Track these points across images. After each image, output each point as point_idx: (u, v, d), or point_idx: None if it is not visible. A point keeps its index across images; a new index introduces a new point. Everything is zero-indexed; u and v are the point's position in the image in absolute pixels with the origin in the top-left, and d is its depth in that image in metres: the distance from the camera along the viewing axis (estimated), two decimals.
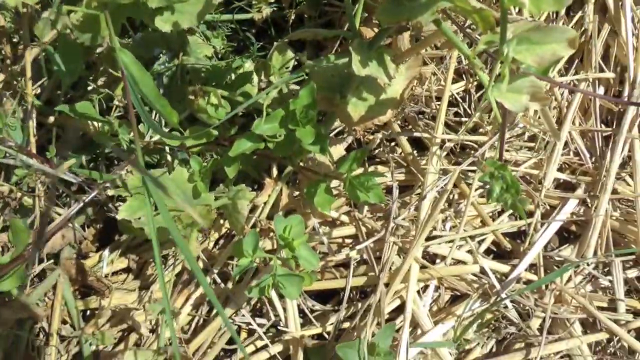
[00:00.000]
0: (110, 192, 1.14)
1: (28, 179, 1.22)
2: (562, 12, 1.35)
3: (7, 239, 1.20)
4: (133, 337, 1.23)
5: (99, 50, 1.01)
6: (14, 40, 1.32)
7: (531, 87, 0.89)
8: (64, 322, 1.24)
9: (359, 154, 1.11)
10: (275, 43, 1.33)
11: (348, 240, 1.26)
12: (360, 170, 1.20)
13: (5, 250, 1.24)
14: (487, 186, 0.91)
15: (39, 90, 1.34)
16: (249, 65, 1.31)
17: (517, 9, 1.32)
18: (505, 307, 1.23)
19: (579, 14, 1.35)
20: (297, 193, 1.25)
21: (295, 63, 1.32)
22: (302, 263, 1.05)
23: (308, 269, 1.06)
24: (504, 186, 0.90)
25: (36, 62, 1.34)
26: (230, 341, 1.21)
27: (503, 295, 1.22)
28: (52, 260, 1.25)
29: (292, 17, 1.41)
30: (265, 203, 1.22)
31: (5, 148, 1.16)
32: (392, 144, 1.33)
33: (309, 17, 1.43)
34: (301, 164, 1.19)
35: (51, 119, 1.29)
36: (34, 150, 1.23)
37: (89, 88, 1.31)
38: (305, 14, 1.42)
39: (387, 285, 1.19)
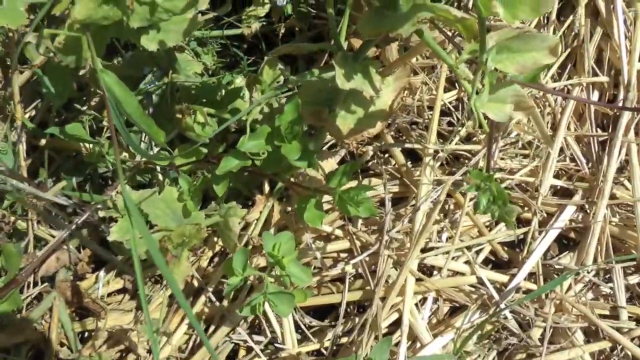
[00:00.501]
0: (101, 214, 1.14)
1: (21, 203, 1.22)
2: (553, 16, 1.34)
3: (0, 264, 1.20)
4: (131, 357, 1.22)
5: (82, 72, 1.01)
6: (7, 64, 1.33)
7: (515, 96, 0.89)
8: (61, 344, 1.24)
9: (349, 167, 1.10)
10: (266, 58, 1.33)
11: (343, 255, 1.25)
12: (352, 184, 1.19)
13: (2, 274, 1.24)
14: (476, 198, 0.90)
15: (32, 113, 1.35)
16: (239, 81, 1.31)
17: None
18: (505, 317, 1.21)
19: (570, 18, 1.34)
20: (289, 209, 1.24)
21: (287, 77, 1.32)
22: (294, 280, 1.04)
23: (300, 285, 1.05)
24: (491, 198, 0.89)
25: (29, 84, 1.34)
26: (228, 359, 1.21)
27: (502, 306, 1.20)
28: (46, 284, 1.25)
29: (282, 31, 1.40)
30: (257, 220, 1.21)
31: None
32: (386, 155, 1.32)
33: (299, 30, 1.42)
34: (292, 179, 1.18)
35: (43, 141, 1.29)
36: (25, 174, 1.23)
37: (84, 109, 1.31)
38: (296, 28, 1.42)
39: (383, 299, 1.18)
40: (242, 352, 1.23)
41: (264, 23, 1.40)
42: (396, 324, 1.21)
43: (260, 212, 1.20)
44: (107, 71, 1.00)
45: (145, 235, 0.82)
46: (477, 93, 0.87)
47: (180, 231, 1.07)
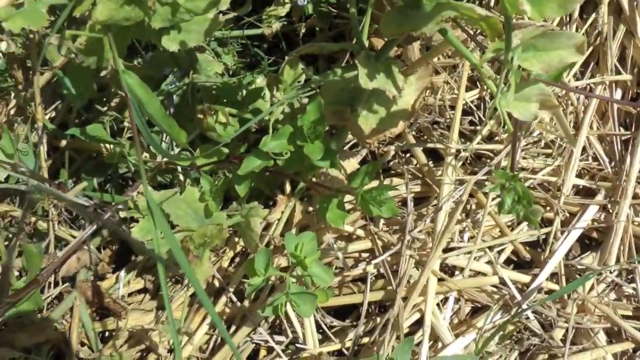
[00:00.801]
0: (122, 214, 1.14)
1: (41, 204, 1.22)
2: (576, 14, 1.33)
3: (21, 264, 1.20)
4: (151, 357, 1.22)
5: (103, 73, 1.01)
6: (28, 65, 1.33)
7: (540, 95, 0.88)
8: (81, 344, 1.24)
9: (371, 167, 1.10)
10: (286, 57, 1.32)
11: (365, 255, 1.24)
12: (374, 184, 1.19)
13: (23, 274, 1.24)
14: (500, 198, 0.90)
15: (53, 114, 1.35)
16: (260, 81, 1.30)
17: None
18: (527, 318, 1.20)
19: (593, 15, 1.33)
20: (310, 209, 1.24)
21: (308, 77, 1.31)
22: (316, 280, 1.03)
23: (322, 285, 1.05)
24: (516, 197, 0.88)
25: (50, 85, 1.35)
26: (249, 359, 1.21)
27: (524, 306, 1.19)
28: (67, 284, 1.25)
29: (303, 30, 1.40)
30: (278, 220, 1.21)
31: (18, 174, 1.17)
32: (407, 155, 1.32)
33: (319, 30, 1.42)
34: (313, 179, 1.18)
35: (63, 142, 1.29)
36: (45, 175, 1.23)
37: (104, 109, 1.31)
38: (316, 27, 1.41)
39: (405, 299, 1.17)
40: (262, 352, 1.23)
41: (285, 23, 1.39)
42: (417, 324, 1.21)
43: (282, 212, 1.20)
44: (129, 72, 1.00)
45: (168, 235, 0.82)
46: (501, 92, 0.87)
47: (202, 231, 1.07)
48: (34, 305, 1.18)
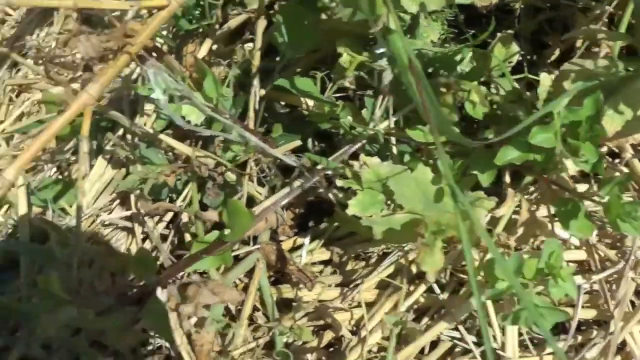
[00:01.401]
0: (339, 183, 1.05)
1: (244, 155, 1.14)
2: None
3: (217, 218, 1.12)
4: (328, 335, 1.14)
5: (373, 30, 0.92)
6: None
7: None
8: (254, 309, 1.17)
9: (625, 179, 1.00)
10: (499, 34, 1.22)
11: (571, 264, 1.14)
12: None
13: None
14: None
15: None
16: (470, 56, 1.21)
17: None
18: None
19: None
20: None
21: (520, 58, 1.21)
22: (557, 294, 0.94)
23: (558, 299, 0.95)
24: None
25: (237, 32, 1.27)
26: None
27: None
28: (257, 245, 1.17)
29: (521, 6, 1.30)
30: (502, 216, 1.10)
31: (223, 120, 1.08)
32: (615, 160, 1.21)
33: (524, 8, 1.31)
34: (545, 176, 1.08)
35: (262, 91, 1.20)
36: (251, 126, 1.14)
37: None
38: (520, 6, 1.31)
39: None
40: (443, 347, 1.14)
41: None
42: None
43: (508, 207, 1.10)
44: (400, 34, 0.91)
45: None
46: None
47: (437, 219, 0.96)
48: (221, 262, 1.10)
